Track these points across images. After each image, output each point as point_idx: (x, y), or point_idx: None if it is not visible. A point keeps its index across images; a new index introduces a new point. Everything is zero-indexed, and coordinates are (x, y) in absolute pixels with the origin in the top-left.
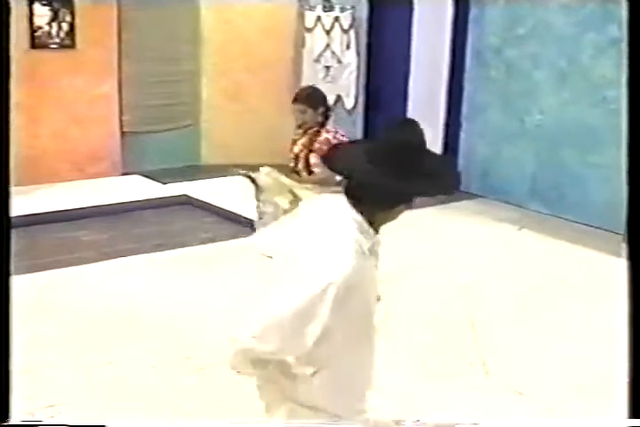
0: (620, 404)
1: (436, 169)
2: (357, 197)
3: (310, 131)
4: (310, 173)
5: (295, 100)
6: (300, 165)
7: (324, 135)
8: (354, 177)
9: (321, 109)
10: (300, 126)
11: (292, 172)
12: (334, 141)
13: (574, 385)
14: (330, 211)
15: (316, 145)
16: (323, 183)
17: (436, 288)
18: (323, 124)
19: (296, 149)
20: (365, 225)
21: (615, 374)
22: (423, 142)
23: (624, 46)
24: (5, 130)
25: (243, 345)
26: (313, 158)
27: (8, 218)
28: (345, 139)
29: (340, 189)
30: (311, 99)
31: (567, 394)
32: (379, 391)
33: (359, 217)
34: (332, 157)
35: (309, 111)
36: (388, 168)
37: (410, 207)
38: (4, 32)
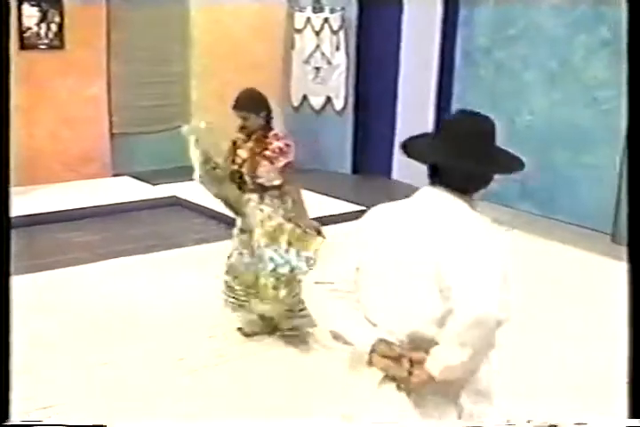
0: (620, 404)
1: (500, 152)
2: (451, 184)
3: (255, 135)
4: (253, 179)
5: (235, 107)
6: (246, 170)
7: (275, 143)
8: (444, 166)
9: (263, 113)
10: (242, 130)
11: (232, 174)
12: (285, 149)
13: (573, 385)
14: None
15: (268, 153)
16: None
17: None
18: (266, 128)
19: (243, 153)
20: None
21: (614, 374)
22: (491, 127)
23: (615, 48)
24: (5, 131)
25: (488, 318)
26: (263, 166)
27: (8, 219)
28: (292, 143)
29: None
30: (252, 104)
31: (567, 394)
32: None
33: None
34: (412, 150)
35: (252, 116)
36: (468, 153)
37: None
38: (4, 33)
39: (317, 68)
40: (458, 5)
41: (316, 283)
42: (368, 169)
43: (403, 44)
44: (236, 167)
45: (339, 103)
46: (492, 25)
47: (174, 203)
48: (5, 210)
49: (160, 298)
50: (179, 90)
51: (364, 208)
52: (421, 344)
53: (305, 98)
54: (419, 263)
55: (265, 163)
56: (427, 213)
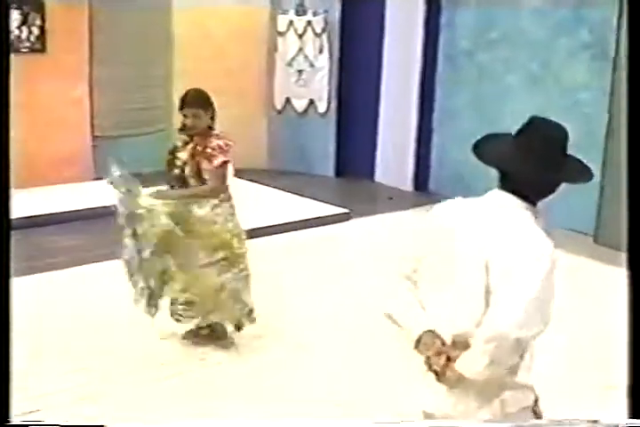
0: (620, 404)
1: (571, 160)
2: (519, 191)
3: (198, 136)
4: (201, 180)
5: (189, 105)
6: (189, 172)
7: (215, 141)
8: (514, 172)
9: (210, 112)
10: (185, 131)
11: (176, 179)
12: (226, 148)
13: (572, 385)
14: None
15: (208, 150)
16: (215, 192)
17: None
18: (209, 128)
19: (184, 155)
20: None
21: (613, 374)
22: (564, 135)
23: (596, 51)
24: (5, 133)
25: (508, 335)
26: (205, 165)
27: (8, 220)
28: (232, 143)
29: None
30: (203, 101)
31: (566, 394)
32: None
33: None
34: (484, 153)
35: (202, 115)
36: (539, 161)
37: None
38: (3, 35)
39: (300, 71)
40: (440, 8)
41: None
42: (351, 172)
43: (385, 47)
44: (177, 172)
45: (322, 106)
46: (473, 28)
47: None
48: (6, 212)
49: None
50: (161, 93)
51: (347, 211)
52: (462, 341)
53: (288, 101)
54: (471, 263)
55: (205, 161)
56: (488, 215)
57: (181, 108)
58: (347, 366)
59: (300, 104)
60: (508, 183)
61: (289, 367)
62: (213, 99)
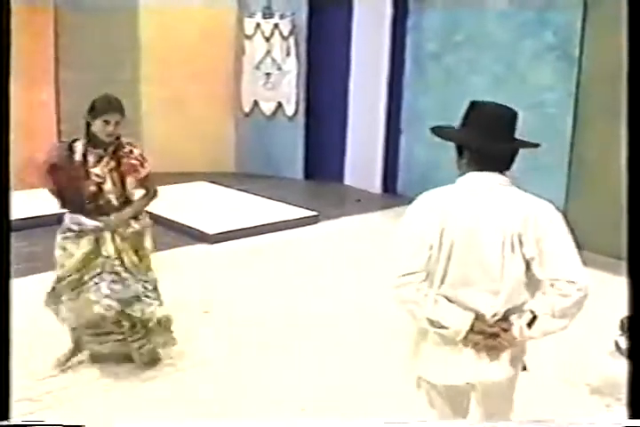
0: (619, 404)
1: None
2: (487, 167)
3: (111, 146)
4: (125, 194)
5: (112, 110)
6: (110, 188)
7: (135, 150)
8: (477, 147)
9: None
10: (103, 141)
11: (92, 197)
12: (145, 157)
13: (571, 385)
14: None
15: (133, 161)
16: (135, 214)
17: (388, 288)
18: (118, 137)
19: (97, 169)
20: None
21: (610, 376)
22: (505, 108)
23: (560, 52)
24: (5, 135)
25: (587, 286)
26: (130, 177)
27: (8, 221)
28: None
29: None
30: (122, 107)
31: (566, 394)
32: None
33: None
34: (446, 134)
35: (121, 122)
36: (492, 133)
37: None
38: (5, 37)
39: (268, 74)
40: (407, 11)
41: (403, 276)
42: (320, 174)
43: (353, 50)
44: (93, 189)
45: (290, 109)
46: (440, 31)
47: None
48: (6, 214)
49: None
50: (129, 97)
51: (315, 213)
52: (513, 311)
53: (256, 104)
54: (505, 238)
55: (131, 174)
56: (487, 192)
57: (101, 114)
58: (315, 369)
59: (267, 107)
60: (476, 164)
61: (256, 370)
62: (181, 102)
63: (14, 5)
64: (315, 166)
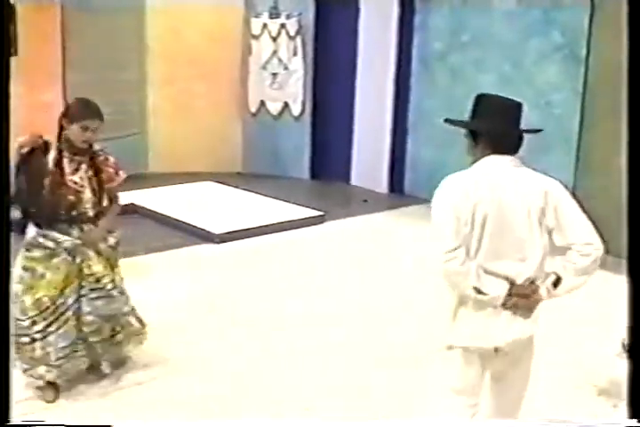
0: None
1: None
2: (501, 150)
3: (84, 153)
4: (101, 202)
5: (94, 116)
6: (90, 196)
7: (110, 158)
8: (498, 132)
9: None
10: (73, 147)
11: (69, 207)
12: (117, 166)
13: (572, 386)
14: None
15: (110, 169)
16: (111, 227)
17: (393, 288)
18: (91, 143)
19: (77, 177)
20: None
21: (613, 376)
22: (508, 99)
23: (567, 52)
24: (5, 135)
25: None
26: (108, 190)
27: (8, 222)
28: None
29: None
30: (101, 112)
31: (566, 394)
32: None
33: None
34: (459, 123)
35: (99, 128)
36: (504, 119)
37: None
38: (4, 40)
39: (275, 74)
40: (413, 11)
41: (448, 252)
42: (326, 174)
43: (359, 50)
44: (72, 199)
45: (296, 109)
46: (446, 30)
47: (132, 211)
48: (6, 213)
49: None
50: (135, 97)
51: (321, 213)
52: (539, 275)
53: (262, 104)
54: (530, 212)
55: (109, 183)
56: (506, 172)
57: (80, 119)
58: (319, 368)
59: (274, 107)
60: (492, 149)
61: (260, 370)
62: (188, 103)
63: (21, 6)
64: (321, 166)
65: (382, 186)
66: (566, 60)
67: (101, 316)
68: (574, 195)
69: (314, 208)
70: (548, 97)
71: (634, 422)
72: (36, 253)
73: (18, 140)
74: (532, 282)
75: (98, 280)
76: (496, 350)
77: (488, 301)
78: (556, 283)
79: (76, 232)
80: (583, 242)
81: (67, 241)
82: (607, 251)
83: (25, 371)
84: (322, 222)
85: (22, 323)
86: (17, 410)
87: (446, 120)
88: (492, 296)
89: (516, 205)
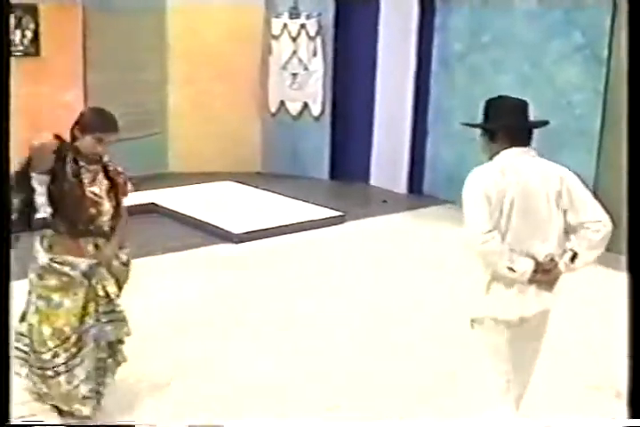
0: (620, 404)
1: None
2: (517, 143)
3: (97, 164)
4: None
5: (112, 128)
6: (109, 209)
7: (120, 170)
8: (514, 126)
9: None
10: (84, 157)
11: (89, 221)
12: (126, 177)
13: (572, 385)
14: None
15: (122, 182)
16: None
17: (409, 289)
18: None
19: (97, 189)
20: None
21: (613, 375)
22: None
23: (588, 52)
24: (5, 137)
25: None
26: (124, 200)
27: (9, 224)
28: None
29: None
30: (117, 124)
31: (566, 395)
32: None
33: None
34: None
35: (113, 140)
36: (518, 115)
37: None
38: (3, 41)
39: (294, 74)
40: (434, 11)
41: (485, 233)
42: (346, 175)
43: (379, 50)
44: (93, 212)
45: (316, 109)
46: (466, 31)
47: (152, 210)
48: (7, 216)
49: (134, 307)
50: (155, 97)
51: (341, 213)
52: (558, 252)
53: (282, 104)
54: (549, 195)
55: (124, 195)
56: (526, 161)
57: (95, 131)
58: (337, 367)
59: (294, 107)
60: (509, 143)
61: (276, 369)
62: (208, 103)
63: (43, 6)
64: (340, 166)
65: (401, 186)
66: (587, 61)
67: (110, 341)
68: (595, 193)
69: (333, 208)
70: (570, 97)
71: (634, 422)
72: (52, 280)
73: (37, 141)
74: (552, 259)
75: (110, 302)
76: (522, 320)
77: (517, 277)
78: (573, 258)
79: (90, 248)
80: (594, 220)
81: (83, 263)
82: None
83: (60, 413)
84: (341, 223)
85: (43, 356)
86: (17, 411)
87: (464, 123)
88: (521, 273)
89: (538, 189)
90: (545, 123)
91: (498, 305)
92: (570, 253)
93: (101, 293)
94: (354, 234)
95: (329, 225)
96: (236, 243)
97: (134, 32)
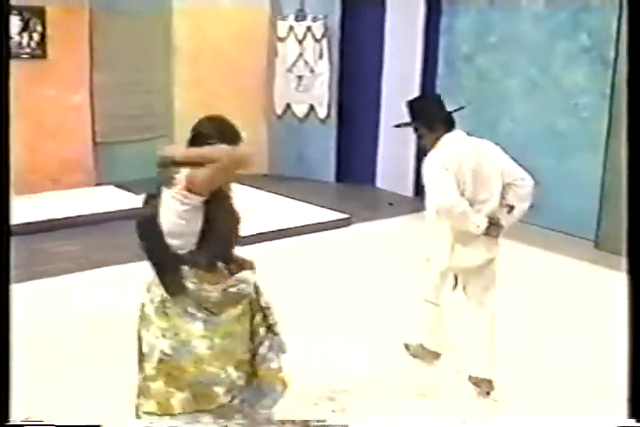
0: (620, 404)
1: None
2: (451, 127)
3: None
4: None
5: (232, 140)
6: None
7: None
8: (444, 115)
9: None
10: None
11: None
12: None
13: (571, 386)
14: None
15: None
16: None
17: (415, 291)
18: None
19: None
20: None
21: (613, 375)
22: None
23: (595, 55)
24: (5, 141)
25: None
26: None
27: (8, 227)
28: None
29: None
30: (240, 135)
31: (566, 395)
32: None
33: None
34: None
35: None
36: (441, 106)
37: None
38: (2, 44)
39: (300, 77)
40: (440, 13)
41: (455, 200)
42: (352, 177)
43: (385, 52)
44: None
45: (322, 111)
46: (473, 33)
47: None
48: (6, 219)
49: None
50: (162, 99)
51: (347, 216)
52: (499, 208)
53: (288, 106)
54: (490, 164)
55: None
56: (465, 141)
57: (221, 141)
58: (342, 371)
59: (300, 109)
60: (447, 129)
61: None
62: (214, 105)
63: (50, 8)
64: (347, 169)
65: (408, 189)
66: (594, 63)
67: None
68: (602, 196)
69: (339, 211)
70: (576, 100)
71: (634, 422)
72: (206, 317)
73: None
74: (494, 213)
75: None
76: (477, 267)
77: (478, 231)
78: (510, 210)
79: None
80: (519, 178)
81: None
82: None
83: None
84: (348, 225)
85: (220, 399)
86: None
87: (396, 125)
88: (482, 228)
89: (483, 159)
90: (461, 108)
91: (460, 257)
92: (507, 208)
93: (263, 304)
94: (360, 236)
95: (335, 228)
96: (242, 245)
97: (141, 34)
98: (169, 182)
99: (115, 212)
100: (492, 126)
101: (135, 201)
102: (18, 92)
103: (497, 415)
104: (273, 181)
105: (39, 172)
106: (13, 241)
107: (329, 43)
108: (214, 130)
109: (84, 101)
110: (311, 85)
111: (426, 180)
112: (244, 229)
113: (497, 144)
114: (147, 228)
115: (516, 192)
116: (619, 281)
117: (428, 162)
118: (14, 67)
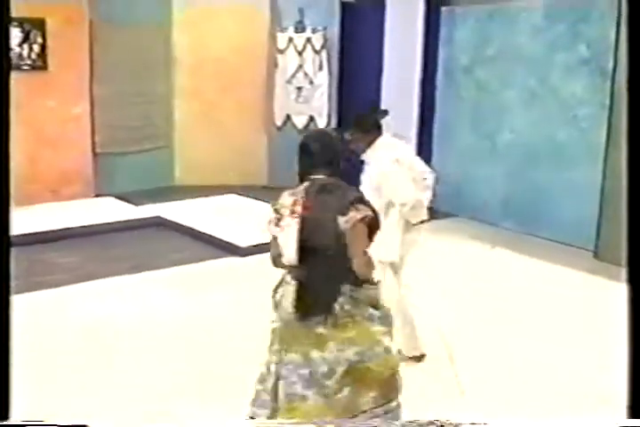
0: (620, 404)
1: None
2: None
3: None
4: None
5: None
6: None
7: None
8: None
9: None
10: None
11: None
12: None
13: (571, 394)
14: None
15: None
16: None
17: (417, 300)
18: None
19: None
20: None
21: (613, 384)
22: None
23: (594, 66)
24: (5, 152)
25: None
26: None
27: (8, 238)
28: None
29: None
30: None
31: (566, 395)
32: None
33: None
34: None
35: None
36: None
37: None
38: (2, 54)
39: (300, 88)
40: (439, 24)
41: (410, 195)
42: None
43: (385, 64)
44: None
45: (322, 122)
46: (472, 44)
47: (159, 223)
48: (6, 229)
49: (138, 320)
50: (162, 110)
51: None
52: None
53: (288, 117)
54: (413, 159)
55: None
56: (394, 141)
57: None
58: None
59: (300, 121)
60: (378, 132)
61: None
62: (214, 116)
63: (50, 20)
64: (346, 180)
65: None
66: (593, 74)
67: None
68: (601, 206)
69: None
70: (575, 111)
71: (634, 422)
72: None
73: None
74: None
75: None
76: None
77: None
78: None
79: None
80: (426, 171)
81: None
82: None
83: None
84: None
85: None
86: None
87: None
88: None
89: (410, 156)
90: (385, 111)
91: (386, 251)
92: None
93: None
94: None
95: None
96: (243, 256)
97: (141, 46)
98: None
99: (114, 223)
100: (491, 137)
101: (134, 212)
102: (18, 104)
103: (496, 418)
104: (272, 192)
105: (39, 182)
106: (13, 252)
107: (328, 54)
108: None
109: (84, 112)
110: (311, 97)
111: (382, 177)
112: (242, 240)
113: (496, 155)
114: None
115: (424, 183)
116: (618, 291)
117: (382, 164)
118: (15, 78)
